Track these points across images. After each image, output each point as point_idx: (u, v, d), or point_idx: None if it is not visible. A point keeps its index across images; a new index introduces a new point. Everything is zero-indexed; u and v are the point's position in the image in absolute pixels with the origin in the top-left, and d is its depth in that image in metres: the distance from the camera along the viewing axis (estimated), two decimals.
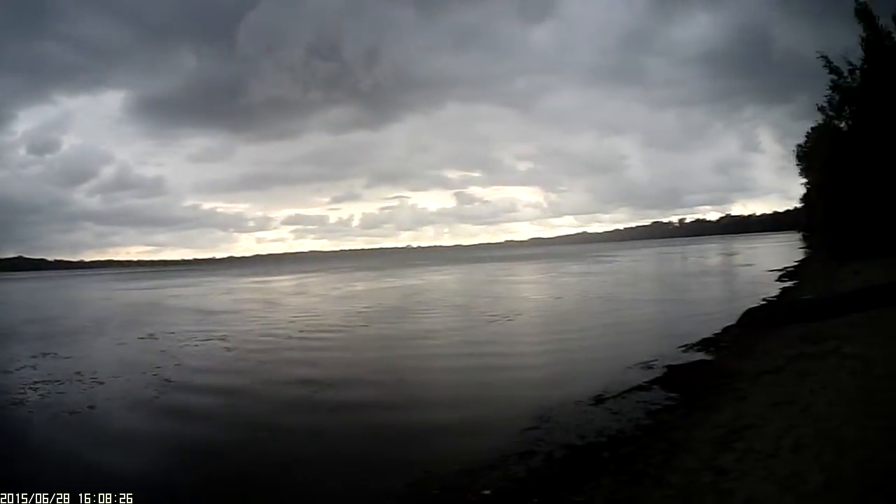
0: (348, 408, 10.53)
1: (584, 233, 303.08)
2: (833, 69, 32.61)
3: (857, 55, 31.03)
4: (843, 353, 10.07)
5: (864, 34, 27.59)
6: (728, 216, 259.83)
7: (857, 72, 31.08)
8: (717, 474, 6.06)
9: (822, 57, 32.88)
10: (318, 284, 55.49)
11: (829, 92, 33.73)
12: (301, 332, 21.05)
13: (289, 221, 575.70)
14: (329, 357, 16.14)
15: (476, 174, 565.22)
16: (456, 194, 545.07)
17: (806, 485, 5.18)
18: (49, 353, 18.09)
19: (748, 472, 5.85)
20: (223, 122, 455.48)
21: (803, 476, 5.35)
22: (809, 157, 41.91)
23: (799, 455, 5.92)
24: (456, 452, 7.71)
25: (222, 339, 20.01)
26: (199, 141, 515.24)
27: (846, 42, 48.83)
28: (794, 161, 49.62)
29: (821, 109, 35.70)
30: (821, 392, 7.98)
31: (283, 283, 63.01)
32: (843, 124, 34.29)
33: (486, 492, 6.39)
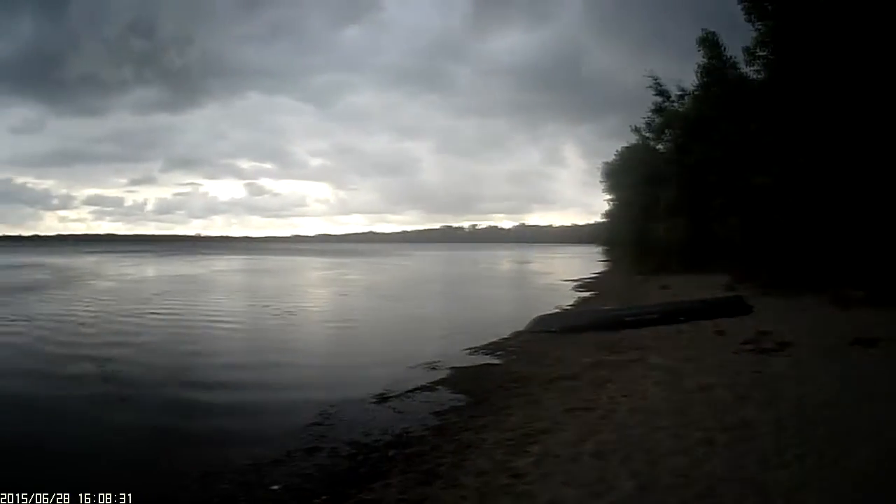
0: (131, 403, 10.49)
1: (372, 232, 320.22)
2: (661, 92, 36.00)
3: (688, 82, 33.75)
4: (649, 363, 11.12)
5: (705, 61, 29.32)
6: (523, 225, 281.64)
7: (687, 97, 34.04)
8: (514, 477, 6.33)
9: (652, 77, 36.09)
10: (127, 267, 57.96)
11: (650, 114, 37.12)
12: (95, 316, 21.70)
13: (89, 201, 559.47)
14: (122, 346, 15.94)
15: (268, 166, 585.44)
16: (247, 185, 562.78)
17: (615, 490, 5.53)
18: None
19: (548, 476, 6.16)
20: (44, 93, 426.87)
21: (611, 482, 5.73)
22: (618, 175, 45.65)
23: (603, 460, 6.34)
24: (241, 448, 7.93)
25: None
26: (20, 111, 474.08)
27: (663, 72, 53.76)
28: (598, 177, 53.84)
29: (636, 130, 39.36)
30: (623, 400, 8.72)
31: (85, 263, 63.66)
32: (660, 146, 37.91)
33: (275, 487, 6.66)
